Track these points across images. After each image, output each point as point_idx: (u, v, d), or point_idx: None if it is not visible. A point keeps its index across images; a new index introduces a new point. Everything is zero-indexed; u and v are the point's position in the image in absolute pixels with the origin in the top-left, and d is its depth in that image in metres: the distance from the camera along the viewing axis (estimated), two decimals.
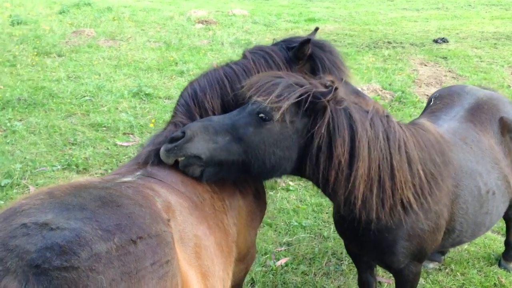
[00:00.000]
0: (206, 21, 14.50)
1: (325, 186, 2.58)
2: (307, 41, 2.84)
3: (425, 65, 10.38)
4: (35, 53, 10.64)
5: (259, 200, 2.95)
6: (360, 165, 2.46)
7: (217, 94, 2.78)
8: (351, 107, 2.52)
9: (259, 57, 2.89)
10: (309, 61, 2.95)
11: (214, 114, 2.76)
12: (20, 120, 7.22)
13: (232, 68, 2.85)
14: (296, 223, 4.94)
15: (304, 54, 2.89)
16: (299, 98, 2.39)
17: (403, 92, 8.36)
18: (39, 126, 6.97)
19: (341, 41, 12.55)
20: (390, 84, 8.80)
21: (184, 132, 2.45)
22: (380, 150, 2.52)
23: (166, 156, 2.43)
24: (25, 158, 6.04)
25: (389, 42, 12.38)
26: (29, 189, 5.30)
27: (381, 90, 8.39)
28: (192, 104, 2.77)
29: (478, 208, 3.07)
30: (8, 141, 6.50)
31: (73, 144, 6.50)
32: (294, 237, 4.76)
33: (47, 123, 7.08)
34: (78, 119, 7.31)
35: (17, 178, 5.52)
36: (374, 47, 11.93)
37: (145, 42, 12.04)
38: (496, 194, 3.17)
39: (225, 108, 2.78)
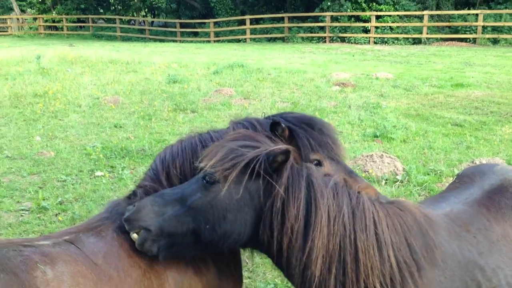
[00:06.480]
0: (343, 84, 14.46)
1: (279, 257, 2.36)
2: (276, 124, 2.70)
3: None
4: (171, 109, 11.68)
5: (227, 278, 2.69)
6: (316, 235, 2.23)
7: (189, 160, 2.78)
8: (313, 171, 2.37)
9: (241, 127, 2.82)
10: (292, 139, 2.79)
11: (181, 180, 2.74)
12: (133, 169, 7.91)
13: (210, 135, 2.85)
14: None
15: (278, 135, 2.72)
16: (246, 162, 2.28)
17: None
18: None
19: (484, 109, 11.42)
20: None
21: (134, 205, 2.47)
22: (343, 226, 2.25)
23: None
24: None
25: None
26: None
27: None
28: (161, 169, 2.80)
29: None
30: (112, 187, 7.16)
31: None
32: None
33: None
34: None
35: None
36: None
37: (275, 102, 12.41)
38: None
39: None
